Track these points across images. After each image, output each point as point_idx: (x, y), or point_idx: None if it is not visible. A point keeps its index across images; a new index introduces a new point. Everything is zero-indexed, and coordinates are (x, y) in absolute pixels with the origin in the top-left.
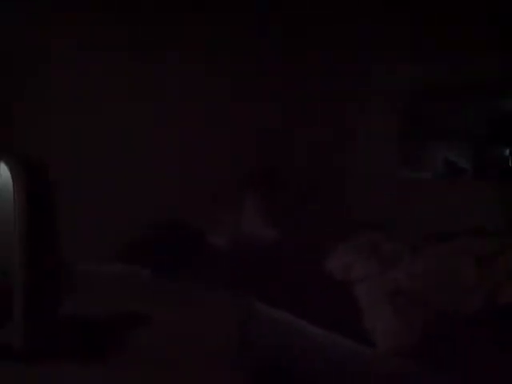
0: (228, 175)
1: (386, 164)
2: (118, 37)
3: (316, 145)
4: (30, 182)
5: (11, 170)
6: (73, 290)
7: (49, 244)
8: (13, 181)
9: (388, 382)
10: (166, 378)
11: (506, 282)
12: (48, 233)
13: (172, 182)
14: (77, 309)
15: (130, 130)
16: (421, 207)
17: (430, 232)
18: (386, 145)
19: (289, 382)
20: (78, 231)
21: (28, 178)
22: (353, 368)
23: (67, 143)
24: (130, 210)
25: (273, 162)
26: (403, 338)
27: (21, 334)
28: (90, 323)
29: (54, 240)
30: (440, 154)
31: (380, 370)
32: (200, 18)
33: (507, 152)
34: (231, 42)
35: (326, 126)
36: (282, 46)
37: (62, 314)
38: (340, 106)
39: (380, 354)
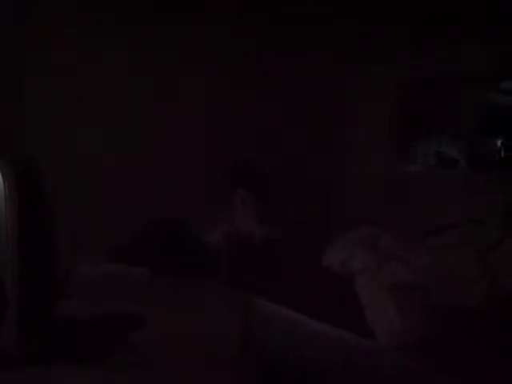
0: (221, 174)
1: (380, 159)
2: (118, 37)
3: (311, 142)
4: (22, 183)
5: (2, 171)
6: (69, 292)
7: (43, 245)
8: (4, 182)
9: (391, 375)
10: (167, 379)
11: (506, 272)
12: (42, 234)
13: (167, 182)
14: (73, 311)
15: (127, 131)
16: (416, 200)
17: (428, 225)
18: (380, 140)
19: (291, 377)
20: (74, 233)
21: (19, 179)
22: (355, 361)
23: (64, 146)
24: (125, 211)
25: (268, 160)
26: (406, 331)
27: (14, 339)
28: (87, 325)
29: (49, 241)
30: (433, 147)
31: (382, 364)
32: (200, 18)
33: (499, 143)
34: (231, 41)
35: (323, 125)
36: (281, 46)
37: (58, 316)
38: (334, 105)
39: (382, 348)
